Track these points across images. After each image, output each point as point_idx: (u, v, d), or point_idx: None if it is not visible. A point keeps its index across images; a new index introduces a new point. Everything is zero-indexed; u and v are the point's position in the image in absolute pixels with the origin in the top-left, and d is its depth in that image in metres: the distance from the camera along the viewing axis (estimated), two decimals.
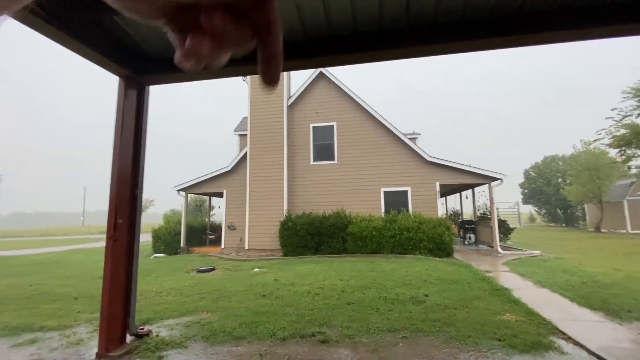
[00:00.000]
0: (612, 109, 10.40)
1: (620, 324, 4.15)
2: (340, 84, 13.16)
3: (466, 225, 14.21)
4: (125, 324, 3.81)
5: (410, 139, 12.99)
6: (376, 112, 12.77)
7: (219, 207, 15.56)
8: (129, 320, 3.85)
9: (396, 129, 12.54)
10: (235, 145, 15.98)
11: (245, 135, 14.32)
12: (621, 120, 11.04)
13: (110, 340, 3.56)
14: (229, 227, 13.70)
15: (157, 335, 3.99)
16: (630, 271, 7.55)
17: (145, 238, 17.90)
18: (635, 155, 11.27)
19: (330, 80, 13.35)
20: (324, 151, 13.18)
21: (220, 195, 14.60)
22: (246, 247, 12.78)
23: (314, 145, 13.22)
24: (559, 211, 34.76)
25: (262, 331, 4.06)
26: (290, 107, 13.52)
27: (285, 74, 13.23)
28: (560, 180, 33.42)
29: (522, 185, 38.15)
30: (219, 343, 3.77)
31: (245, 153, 13.53)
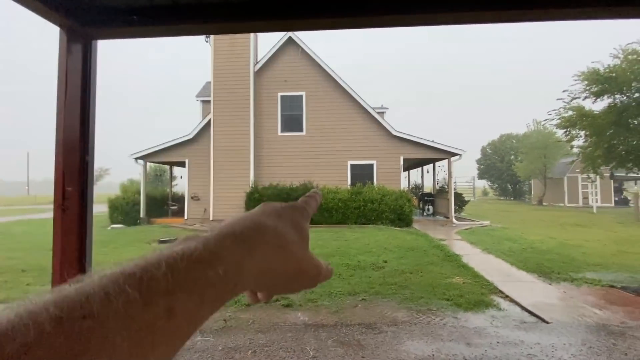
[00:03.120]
0: (564, 91, 11.14)
1: (550, 284, 4.74)
2: (310, 51, 12.73)
3: (425, 198, 15.02)
4: None
5: (378, 112, 13.10)
6: (346, 83, 12.63)
7: (181, 177, 14.99)
8: None
9: (365, 102, 12.57)
10: (198, 112, 15.18)
11: (209, 101, 13.59)
12: (570, 102, 11.85)
13: None
14: (192, 197, 13.31)
15: None
16: (563, 239, 8.54)
17: (101, 209, 16.95)
18: (578, 136, 12.28)
19: (300, 46, 12.85)
20: (292, 122, 12.94)
21: (182, 164, 14.00)
22: (211, 218, 12.58)
23: (282, 115, 12.92)
24: (509, 186, 37.80)
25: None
26: (257, 74, 12.93)
27: (252, 36, 12.52)
28: (512, 157, 36.05)
29: (478, 161, 40.67)
30: None
31: (209, 121, 12.91)
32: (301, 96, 12.82)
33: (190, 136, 13.22)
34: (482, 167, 40.06)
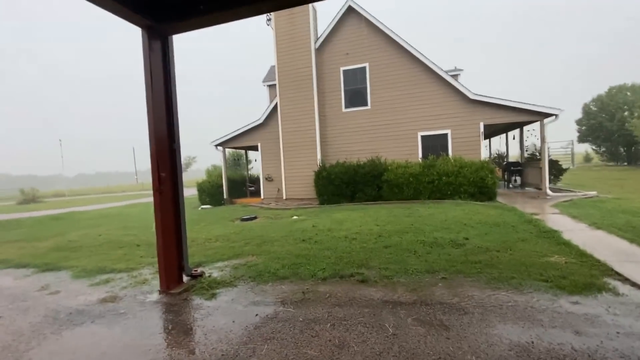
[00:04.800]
0: None
1: None
2: (372, 17, 11.96)
3: (512, 168, 13.33)
4: (180, 266, 4.21)
5: (452, 76, 11.82)
6: (413, 47, 11.62)
7: (256, 160, 15.99)
8: (183, 263, 4.24)
9: (436, 65, 11.43)
10: (265, 97, 15.78)
11: (274, 85, 13.97)
12: None
13: (170, 280, 3.98)
14: (266, 178, 14.15)
15: (209, 276, 4.38)
16: None
17: (192, 192, 19.24)
18: None
19: (361, 15, 12.16)
20: (355, 96, 12.55)
21: (255, 148, 14.88)
22: (284, 197, 13.25)
23: (345, 91, 12.61)
24: (622, 149, 31.22)
25: (303, 272, 4.29)
26: (318, 50, 12.74)
27: (310, 12, 12.27)
28: (626, 113, 29.44)
29: (579, 122, 34.28)
30: (265, 282, 4.06)
31: (276, 104, 13.33)
32: (364, 68, 12.28)
33: (261, 121, 13.89)
34: (583, 128, 33.76)
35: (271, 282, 4.05)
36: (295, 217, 9.15)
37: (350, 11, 12.35)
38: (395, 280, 3.85)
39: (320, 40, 12.64)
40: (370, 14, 11.99)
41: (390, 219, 7.58)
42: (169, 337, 2.87)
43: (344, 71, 12.56)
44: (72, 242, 7.65)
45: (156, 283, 4.17)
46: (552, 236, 5.22)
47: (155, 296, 3.84)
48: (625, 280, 3.50)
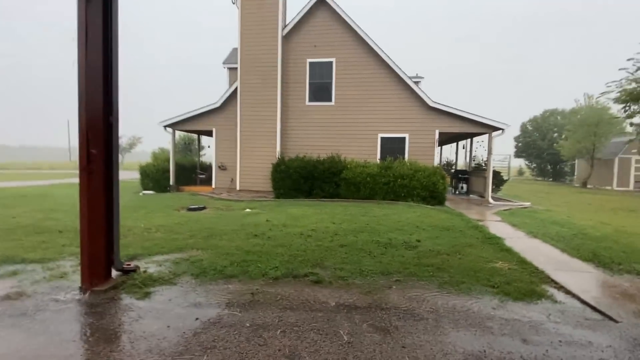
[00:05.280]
0: (628, 59, 9.63)
1: (611, 276, 4.18)
2: (343, 13, 11.81)
3: (459, 175, 14.20)
4: (109, 259, 3.63)
5: (413, 82, 12.15)
6: (381, 49, 11.71)
7: (209, 147, 15.04)
8: (113, 256, 3.67)
9: (401, 69, 11.66)
10: (225, 80, 14.89)
11: (235, 68, 13.20)
12: (635, 72, 10.30)
13: (94, 275, 3.40)
14: (219, 167, 13.37)
15: (144, 272, 3.87)
16: (618, 225, 7.70)
17: (134, 175, 17.53)
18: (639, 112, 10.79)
19: (331, 7, 11.94)
20: (320, 91, 12.35)
21: (209, 133, 13.98)
22: (237, 188, 12.63)
23: (310, 84, 12.34)
24: (549, 166, 35.26)
25: (253, 270, 3.97)
26: (286, 38, 12.27)
27: None
28: (555, 135, 33.26)
29: (516, 139, 38.00)
30: (209, 281, 3.67)
31: (236, 89, 12.60)
32: (331, 63, 12.12)
33: (218, 104, 13.05)
34: (520, 144, 37.50)
35: (216, 281, 3.67)
36: (248, 210, 8.70)
37: (321, 2, 12.06)
38: (350, 282, 3.72)
39: (289, 27, 12.19)
40: (341, 9, 11.83)
41: (347, 217, 7.52)
42: (86, 346, 2.40)
43: (311, 63, 12.27)
44: None
45: (77, 278, 3.55)
46: (496, 242, 5.52)
47: (74, 294, 3.26)
48: (560, 287, 3.75)
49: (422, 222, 7.15)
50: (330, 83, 12.18)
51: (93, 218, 3.44)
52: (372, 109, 11.93)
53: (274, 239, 5.52)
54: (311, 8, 12.11)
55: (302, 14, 12.13)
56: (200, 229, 6.22)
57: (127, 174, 24.47)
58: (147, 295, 3.26)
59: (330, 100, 12.24)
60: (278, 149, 12.17)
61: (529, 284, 3.76)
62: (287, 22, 12.38)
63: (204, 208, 8.93)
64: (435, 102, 11.42)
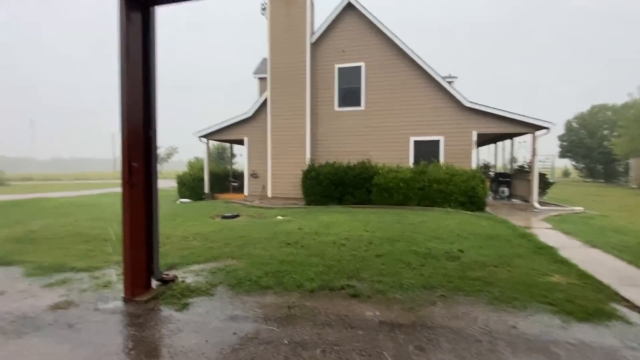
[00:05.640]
0: None
1: None
2: (372, 16, 11.65)
3: (500, 179, 13.36)
4: (149, 269, 3.71)
5: (446, 82, 11.67)
6: (411, 49, 11.39)
7: (241, 155, 15.40)
8: (153, 266, 3.74)
9: (433, 69, 11.25)
10: (255, 90, 15.23)
11: (265, 78, 13.45)
12: None
13: (136, 285, 3.48)
14: (251, 175, 13.61)
15: (182, 281, 3.91)
16: None
17: (171, 184, 18.37)
18: None
19: (360, 12, 11.83)
20: (350, 96, 12.22)
21: (241, 142, 14.31)
22: (269, 195, 12.76)
23: (340, 90, 12.26)
24: (599, 166, 32.39)
25: (288, 281, 3.88)
26: (314, 45, 12.32)
27: (308, 6, 11.85)
28: (606, 132, 30.54)
29: (560, 138, 35.34)
30: (245, 292, 3.63)
31: (266, 98, 12.81)
32: (360, 67, 11.97)
33: (249, 114, 13.34)
34: (564, 144, 34.83)
35: (252, 292, 3.62)
36: (280, 217, 8.71)
37: (349, 7, 12.00)
38: (390, 296, 3.51)
39: (317, 35, 12.23)
40: (370, 12, 11.69)
41: (380, 224, 7.27)
42: None
43: (340, 69, 12.20)
44: (31, 232, 6.93)
45: (121, 287, 3.66)
46: (549, 253, 5.03)
47: (117, 304, 3.34)
48: (632, 306, 3.29)
49: (462, 229, 6.73)
50: (360, 88, 12.02)
51: (135, 229, 3.53)
52: (404, 112, 11.59)
53: (307, 247, 5.42)
54: (339, 14, 12.08)
55: (329, 21, 12.14)
56: (234, 237, 6.28)
57: (166, 183, 25.72)
58: (185, 306, 3.26)
59: (359, 104, 12.07)
60: (308, 155, 12.16)
61: (594, 301, 3.34)
62: (314, 30, 12.44)
63: (237, 216, 9.07)
64: (472, 102, 10.86)
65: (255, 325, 2.88)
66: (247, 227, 7.34)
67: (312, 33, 12.28)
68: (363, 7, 11.74)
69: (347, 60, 12.12)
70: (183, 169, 18.01)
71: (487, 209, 9.86)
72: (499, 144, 15.61)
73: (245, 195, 13.63)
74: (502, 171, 14.93)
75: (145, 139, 3.65)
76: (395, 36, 11.50)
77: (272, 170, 12.68)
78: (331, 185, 10.75)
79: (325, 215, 8.71)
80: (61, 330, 2.80)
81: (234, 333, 2.74)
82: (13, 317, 3.03)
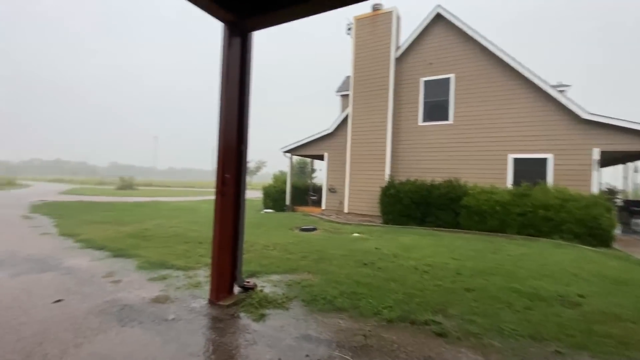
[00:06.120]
0: None
1: None
2: (463, 24, 10.87)
3: (632, 207, 10.67)
4: (233, 275, 3.91)
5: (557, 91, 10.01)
6: (510, 56, 10.18)
7: (320, 170, 15.81)
8: (236, 272, 3.93)
9: (539, 77, 9.80)
10: (337, 107, 15.59)
11: (347, 95, 13.66)
12: None
13: (220, 290, 3.68)
14: (329, 189, 13.79)
15: (261, 291, 4.01)
16: None
17: (258, 195, 19.87)
18: None
19: (450, 22, 11.17)
20: (435, 110, 11.48)
21: (321, 157, 14.70)
22: (345, 210, 12.68)
23: (425, 103, 11.64)
24: None
25: (364, 306, 3.62)
26: (399, 60, 12.05)
27: (394, 20, 11.72)
28: None
29: None
30: (319, 311, 3.50)
31: (347, 114, 12.96)
32: (448, 79, 11.19)
33: (330, 130, 13.67)
34: None
35: (327, 312, 3.47)
36: (356, 234, 8.49)
37: (437, 18, 11.45)
38: (485, 342, 2.94)
39: (402, 49, 11.95)
40: (461, 21, 10.93)
41: (471, 253, 6.43)
42: None
43: (425, 82, 11.62)
44: (146, 230, 8.18)
45: (208, 289, 3.93)
46: None
47: (204, 305, 3.58)
48: None
49: (580, 268, 5.46)
50: (447, 101, 11.20)
51: (223, 236, 3.78)
52: (500, 126, 10.31)
53: (385, 270, 5.07)
54: (427, 26, 11.62)
55: (416, 34, 11.76)
56: (311, 250, 6.30)
57: (253, 193, 28.11)
58: (262, 317, 3.30)
59: (447, 118, 11.22)
60: (387, 172, 11.75)
61: None
62: (400, 44, 12.19)
63: (314, 229, 9.19)
64: (592, 114, 9.03)
65: (328, 350, 2.71)
66: (323, 242, 7.33)
67: (397, 48, 12.05)
68: (453, 15, 11.05)
69: (434, 73, 11.48)
70: (269, 181, 19.41)
71: (615, 245, 7.88)
72: (630, 164, 12.57)
73: (322, 209, 13.84)
74: (634, 199, 11.91)
75: (237, 153, 3.93)
76: (491, 43, 10.44)
77: (350, 186, 12.61)
78: (412, 205, 10.10)
79: (405, 237, 8.16)
80: (157, 324, 3.09)
81: (307, 355, 2.62)
82: (122, 306, 3.49)
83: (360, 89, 12.47)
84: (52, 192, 25.87)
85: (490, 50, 10.47)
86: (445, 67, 11.26)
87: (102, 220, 9.93)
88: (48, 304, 3.46)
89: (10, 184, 35.52)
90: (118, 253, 5.73)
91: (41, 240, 6.79)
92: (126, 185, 34.95)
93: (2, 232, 7.53)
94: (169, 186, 50.49)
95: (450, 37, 11.23)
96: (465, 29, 10.83)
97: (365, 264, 5.39)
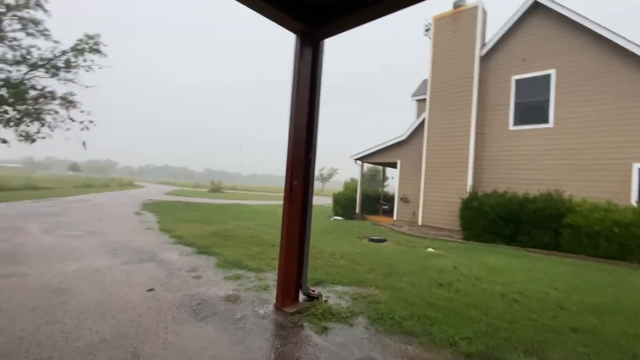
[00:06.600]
0: None
1: None
2: (567, 10, 9.29)
3: None
4: (298, 282, 3.91)
5: None
6: (636, 44, 8.28)
7: (392, 178, 15.23)
8: (301, 280, 3.93)
9: None
10: (413, 112, 14.86)
11: (424, 100, 12.90)
12: None
13: (285, 296, 3.71)
14: (401, 199, 13.14)
15: (325, 301, 3.92)
16: None
17: (328, 201, 20.13)
18: None
19: (549, 9, 9.66)
20: (531, 111, 10.00)
21: (394, 165, 14.14)
22: (419, 223, 11.88)
23: (517, 104, 10.24)
24: None
25: (438, 333, 3.22)
26: (484, 59, 10.91)
27: (480, 15, 10.68)
28: None
29: None
30: (386, 332, 3.24)
31: (423, 120, 12.22)
32: (548, 76, 9.65)
33: (404, 137, 13.08)
34: None
35: (394, 335, 3.19)
36: (430, 249, 7.83)
37: (534, 8, 10.02)
38: None
39: (488, 46, 10.79)
40: (565, 7, 9.35)
41: (578, 283, 5.30)
42: None
43: (517, 81, 10.24)
44: (227, 230, 8.92)
45: (275, 293, 4.01)
46: None
47: (269, 310, 3.64)
48: None
49: None
50: (547, 100, 9.64)
51: (290, 242, 3.82)
52: (620, 128, 8.42)
53: (465, 294, 4.49)
54: (521, 17, 10.27)
55: (507, 28, 10.49)
56: (379, 263, 6.00)
57: (324, 200, 28.65)
58: (325, 330, 3.19)
59: (546, 121, 9.65)
60: (469, 182, 10.63)
61: None
62: (486, 41, 11.04)
63: (384, 240, 8.80)
64: None
65: None
66: (393, 255, 6.93)
67: (483, 45, 10.92)
68: (554, 2, 9.52)
69: (529, 70, 10.03)
70: (340, 188, 19.52)
71: None
72: None
73: (394, 220, 13.23)
74: None
75: (305, 161, 3.95)
76: (609, 30, 8.65)
77: (425, 196, 11.79)
78: (499, 220, 8.90)
79: (489, 256, 7.21)
80: (228, 323, 3.25)
81: None
82: (199, 300, 3.77)
83: (438, 92, 11.65)
84: (159, 192, 30.57)
85: (608, 39, 8.68)
86: (543, 63, 9.74)
87: (193, 219, 11.22)
88: (142, 291, 3.96)
89: (131, 185, 43.39)
90: (202, 250, 6.33)
91: (146, 234, 7.95)
92: (215, 189, 39.24)
93: (120, 226, 9.08)
94: (251, 190, 55.09)
95: (551, 27, 9.69)
96: (572, 16, 9.22)
97: (440, 284, 4.87)
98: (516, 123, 10.23)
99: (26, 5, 10.64)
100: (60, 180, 32.88)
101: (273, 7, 3.27)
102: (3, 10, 10.45)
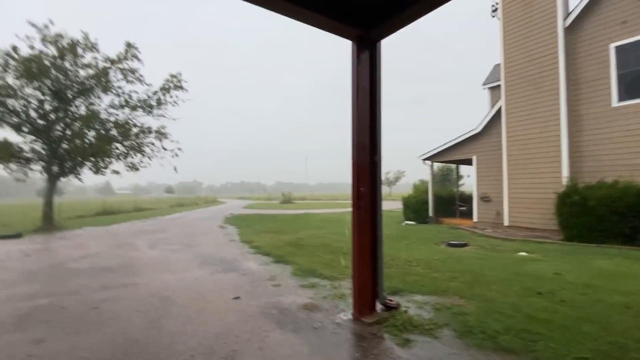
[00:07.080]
0: None
1: None
2: None
3: None
4: (374, 292, 3.79)
5: None
6: None
7: (468, 176, 14.00)
8: (377, 289, 3.81)
9: None
10: (486, 102, 13.55)
11: (497, 87, 11.65)
12: None
13: (362, 306, 3.63)
14: (481, 198, 11.95)
15: (405, 311, 3.72)
16: None
17: (398, 206, 19.44)
18: None
19: None
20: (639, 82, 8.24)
21: (468, 162, 12.99)
22: (505, 224, 10.63)
23: (620, 76, 8.55)
24: None
25: (544, 351, 2.78)
26: (570, 30, 9.42)
27: None
28: None
29: None
30: (477, 347, 2.91)
31: (499, 109, 11.02)
32: None
33: (477, 130, 11.98)
34: None
35: (487, 350, 2.85)
36: (523, 253, 6.91)
37: None
38: None
39: (575, 14, 9.30)
40: None
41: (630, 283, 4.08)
42: None
43: (618, 48, 8.56)
44: (300, 239, 9.22)
45: (351, 301, 3.96)
46: None
47: (347, 319, 3.60)
48: None
49: None
50: None
51: (362, 250, 3.75)
52: None
53: (573, 305, 3.82)
54: None
55: None
56: (462, 270, 5.50)
57: (393, 204, 27.78)
58: (407, 343, 3.02)
59: None
60: (565, 173, 9.16)
61: None
62: (570, 9, 9.55)
63: (465, 245, 8.08)
64: None
65: None
66: (477, 261, 6.30)
67: (567, 15, 9.46)
68: None
69: (632, 33, 8.31)
70: (409, 191, 18.68)
71: None
72: None
73: (474, 222, 12.09)
74: None
75: (371, 165, 3.87)
76: None
77: (510, 193, 10.52)
78: (612, 216, 7.44)
79: (601, 260, 6.05)
80: (307, 332, 3.30)
81: None
82: (280, 309, 3.92)
83: (514, 76, 10.41)
84: (238, 207, 33.34)
85: None
86: None
87: (269, 230, 11.90)
88: (229, 299, 4.29)
89: (214, 201, 48.38)
90: (278, 259, 6.64)
91: (229, 245, 8.69)
92: (286, 200, 41.23)
93: (208, 239, 10.11)
94: (319, 199, 56.46)
95: None
96: None
97: (539, 293, 4.24)
98: (621, 99, 8.51)
99: (125, 58, 12.84)
100: (159, 202, 38.38)
101: (331, 19, 3.32)
102: (108, 65, 12.76)
